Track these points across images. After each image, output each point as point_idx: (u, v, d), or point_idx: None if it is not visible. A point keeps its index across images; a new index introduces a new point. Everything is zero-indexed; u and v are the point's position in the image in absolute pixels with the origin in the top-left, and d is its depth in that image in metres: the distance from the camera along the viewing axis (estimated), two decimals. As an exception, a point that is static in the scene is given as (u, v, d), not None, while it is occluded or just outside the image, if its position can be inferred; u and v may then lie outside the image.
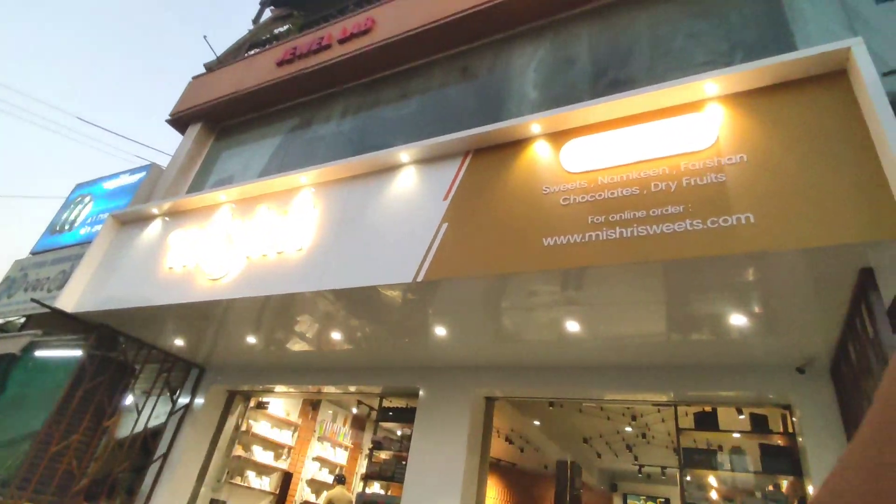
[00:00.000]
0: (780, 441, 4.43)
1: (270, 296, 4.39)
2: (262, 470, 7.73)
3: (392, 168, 4.46)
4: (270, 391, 6.88)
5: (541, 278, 3.52)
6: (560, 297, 3.77)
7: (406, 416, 5.68)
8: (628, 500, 9.05)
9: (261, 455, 7.62)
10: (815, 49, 3.13)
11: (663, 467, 7.60)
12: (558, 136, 3.81)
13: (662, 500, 8.21)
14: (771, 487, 4.50)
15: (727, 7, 4.32)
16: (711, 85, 3.32)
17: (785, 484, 4.39)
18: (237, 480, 7.15)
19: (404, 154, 4.38)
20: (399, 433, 5.97)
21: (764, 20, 4.06)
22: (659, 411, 5.85)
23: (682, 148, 3.30)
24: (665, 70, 4.22)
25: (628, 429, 6.60)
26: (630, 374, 4.68)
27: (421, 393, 5.45)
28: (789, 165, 2.94)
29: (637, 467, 7.97)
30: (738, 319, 3.65)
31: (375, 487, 6.68)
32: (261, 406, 7.58)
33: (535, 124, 3.88)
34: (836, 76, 3.05)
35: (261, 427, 7.64)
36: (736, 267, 3.07)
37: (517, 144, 3.97)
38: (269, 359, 6.25)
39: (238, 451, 7.01)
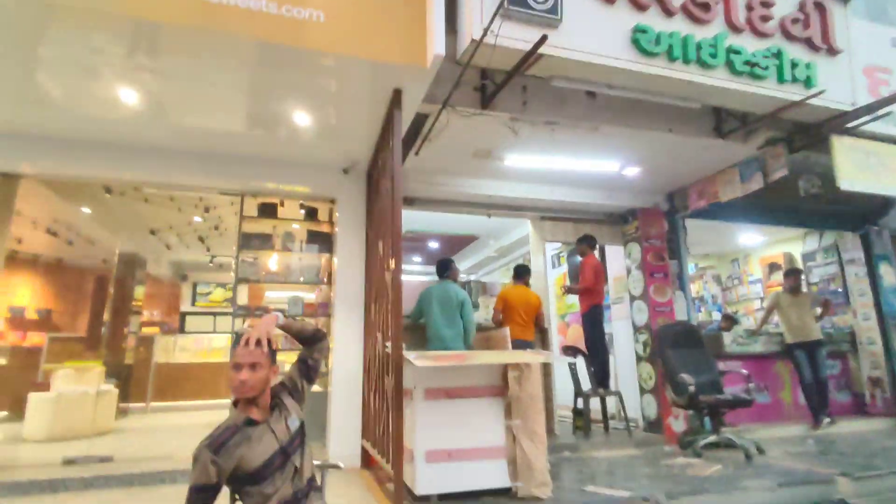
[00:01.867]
0: (325, 228, 5.38)
1: None
2: None
3: None
4: None
5: (102, 29, 2.77)
6: (128, 60, 3.11)
7: None
8: (198, 288, 9.52)
9: None
10: None
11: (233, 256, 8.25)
12: None
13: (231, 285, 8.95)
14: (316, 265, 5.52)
15: None
16: None
17: (323, 260, 5.45)
18: None
19: None
20: None
21: None
22: (232, 204, 6.03)
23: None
24: None
25: (199, 219, 6.62)
26: (199, 161, 4.53)
27: None
28: (364, -23, 3.11)
29: (210, 258, 8.32)
30: (304, 119, 3.95)
31: None
32: None
33: None
34: None
35: None
36: (308, 63, 3.20)
37: None
38: None
39: None
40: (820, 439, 5.26)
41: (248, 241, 5.07)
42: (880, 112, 4.16)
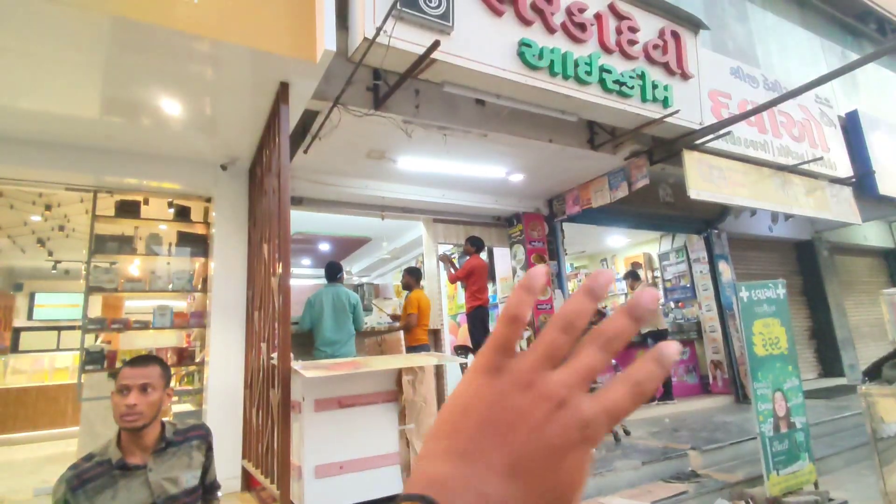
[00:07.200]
0: (199, 230, 4.90)
1: None
2: None
3: None
4: None
5: None
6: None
7: None
8: (37, 298, 8.10)
9: None
10: None
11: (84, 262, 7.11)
12: None
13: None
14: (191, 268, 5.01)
15: None
16: None
17: (197, 265, 4.97)
18: None
19: None
20: None
21: None
22: (82, 201, 5.26)
23: None
24: None
25: (37, 218, 5.62)
26: (38, 151, 3.87)
27: None
28: (245, -42, 2.89)
29: (52, 263, 7.13)
30: (174, 109, 3.56)
31: None
32: None
33: None
34: None
35: None
36: (177, 46, 2.89)
37: None
38: None
39: None
40: (674, 417, 6.00)
41: (103, 245, 4.44)
42: (721, 132, 4.85)
